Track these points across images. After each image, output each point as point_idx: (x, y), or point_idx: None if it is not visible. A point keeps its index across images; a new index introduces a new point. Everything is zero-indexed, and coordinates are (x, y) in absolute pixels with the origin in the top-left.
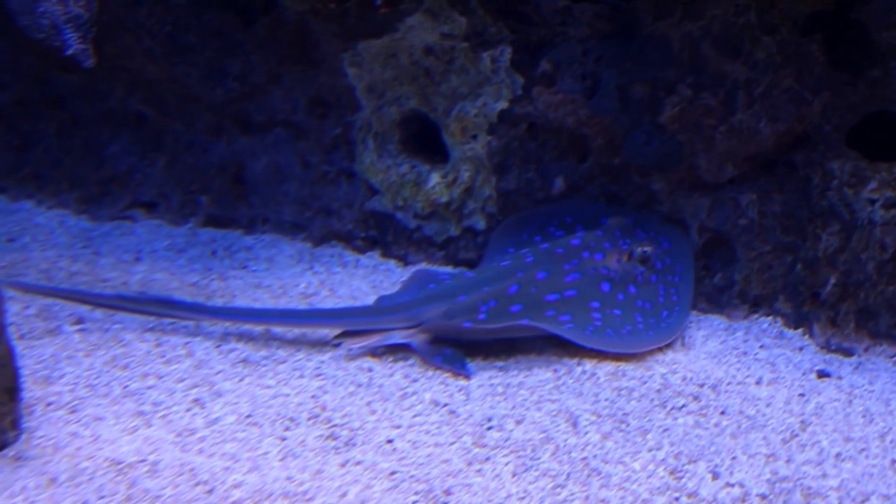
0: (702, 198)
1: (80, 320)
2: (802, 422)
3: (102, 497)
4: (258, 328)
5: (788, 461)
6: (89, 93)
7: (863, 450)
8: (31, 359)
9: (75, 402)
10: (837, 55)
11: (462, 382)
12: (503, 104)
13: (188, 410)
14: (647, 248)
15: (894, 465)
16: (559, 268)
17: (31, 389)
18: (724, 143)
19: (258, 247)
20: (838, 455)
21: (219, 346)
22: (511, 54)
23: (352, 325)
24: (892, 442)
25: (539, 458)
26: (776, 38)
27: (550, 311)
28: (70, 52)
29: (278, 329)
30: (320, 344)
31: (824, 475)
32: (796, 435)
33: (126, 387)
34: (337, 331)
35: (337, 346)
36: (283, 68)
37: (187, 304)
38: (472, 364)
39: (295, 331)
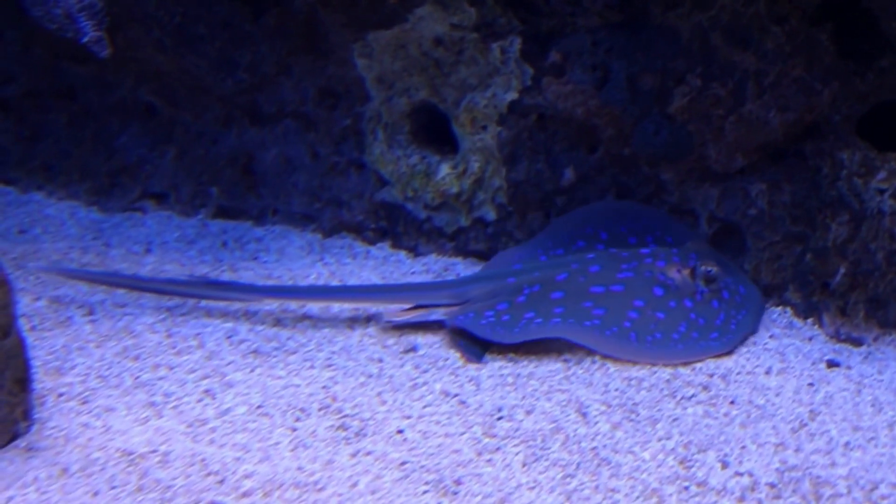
0: (711, 188)
1: (91, 311)
2: (812, 411)
3: (114, 487)
4: (312, 304)
5: (797, 450)
6: (99, 84)
7: (872, 439)
8: (42, 350)
9: (87, 393)
10: (847, 45)
11: (472, 373)
12: (513, 95)
13: (199, 401)
14: (713, 269)
15: None
16: (616, 265)
17: (43, 380)
18: (734, 133)
19: (268, 238)
20: (847, 444)
21: (230, 338)
22: (520, 45)
23: (396, 300)
24: None
25: (549, 448)
26: (785, 28)
27: (588, 302)
28: (86, 39)
29: (335, 304)
30: (331, 334)
31: (833, 464)
32: (805, 424)
33: (137, 378)
34: (381, 306)
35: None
36: (292, 59)
37: (239, 284)
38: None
39: (345, 305)
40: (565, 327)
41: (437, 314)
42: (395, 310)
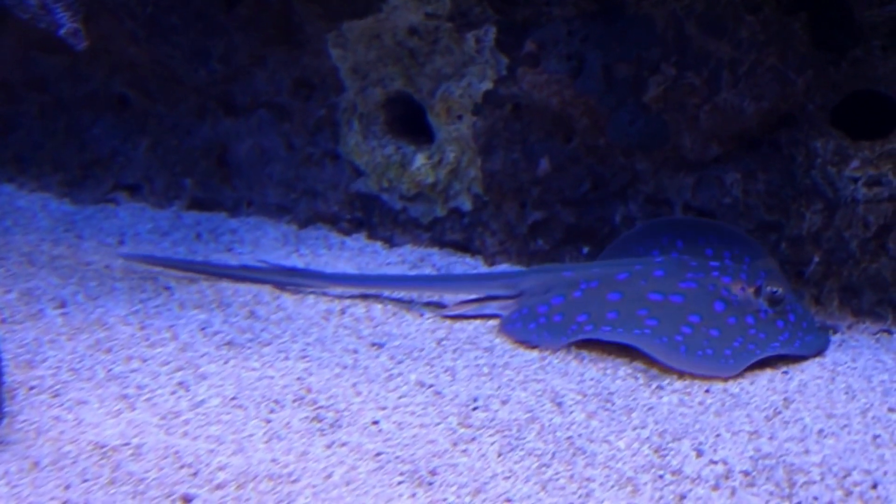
0: (686, 177)
1: (62, 304)
2: (786, 399)
3: (86, 480)
4: (370, 291)
5: (771, 438)
6: (72, 75)
7: (845, 426)
8: (12, 343)
9: (58, 386)
10: (821, 34)
11: (448, 363)
12: (488, 85)
13: (173, 393)
14: (778, 289)
15: (876, 441)
16: (681, 273)
17: (14, 373)
18: (709, 122)
19: (243, 229)
20: (821, 431)
21: (203, 329)
22: (496, 34)
23: (456, 290)
24: (873, 418)
25: (524, 438)
26: (760, 17)
27: (643, 309)
28: (63, 31)
29: (387, 292)
30: (305, 326)
31: (807, 451)
32: (779, 412)
33: (110, 370)
34: (440, 294)
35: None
36: (266, 49)
37: (308, 271)
38: (461, 346)
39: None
40: (614, 336)
41: (492, 307)
42: (449, 299)
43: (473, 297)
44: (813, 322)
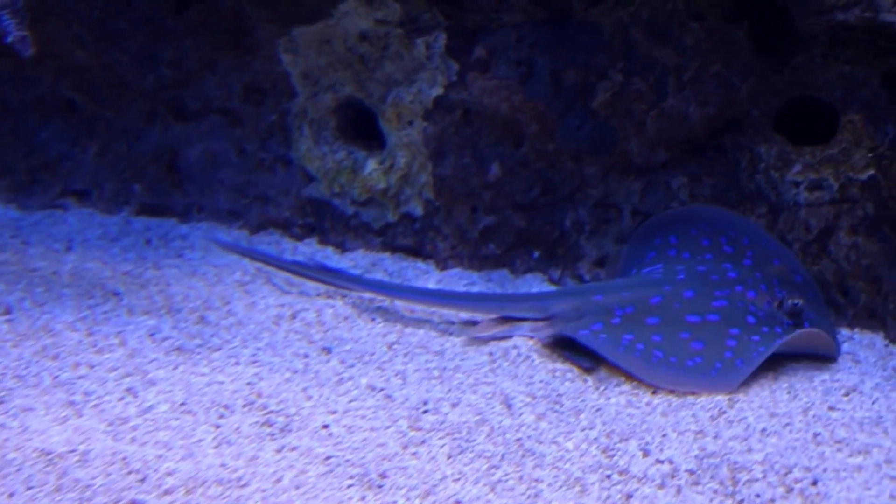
0: (634, 182)
1: (8, 310)
2: (730, 399)
3: (31, 488)
4: (401, 303)
5: (716, 437)
6: (17, 79)
7: (787, 424)
8: None
9: (3, 394)
10: (763, 42)
11: (398, 367)
12: (438, 90)
13: (121, 399)
14: (799, 301)
15: (816, 439)
16: (709, 292)
17: None
18: (655, 128)
19: (194, 235)
20: (764, 430)
21: (152, 335)
22: (446, 40)
23: (485, 310)
24: (814, 416)
25: (474, 440)
26: (704, 25)
27: (685, 332)
28: (10, 38)
29: (419, 307)
30: (256, 331)
31: (750, 450)
32: (724, 412)
33: (56, 377)
34: (467, 314)
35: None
36: (217, 54)
37: (350, 275)
38: (412, 350)
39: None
40: (668, 369)
41: (523, 329)
42: (479, 319)
43: (502, 315)
44: (826, 326)
